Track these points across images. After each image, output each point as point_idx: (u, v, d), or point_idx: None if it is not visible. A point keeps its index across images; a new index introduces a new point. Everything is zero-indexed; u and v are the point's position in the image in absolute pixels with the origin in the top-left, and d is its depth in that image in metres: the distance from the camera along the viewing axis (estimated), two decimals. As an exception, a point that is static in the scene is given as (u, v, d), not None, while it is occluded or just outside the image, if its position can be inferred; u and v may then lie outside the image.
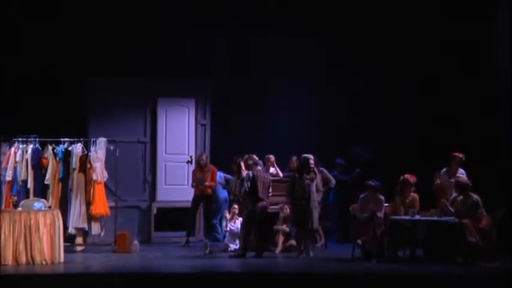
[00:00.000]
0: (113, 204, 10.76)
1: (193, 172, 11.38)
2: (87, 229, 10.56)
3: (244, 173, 10.51)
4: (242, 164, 10.86)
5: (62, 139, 10.53)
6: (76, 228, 10.50)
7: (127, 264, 9.43)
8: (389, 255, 9.51)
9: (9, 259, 8.99)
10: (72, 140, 10.54)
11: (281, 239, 10.48)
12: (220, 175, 11.56)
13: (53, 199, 10.35)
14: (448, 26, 11.58)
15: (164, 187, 11.82)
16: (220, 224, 11.54)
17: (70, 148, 10.51)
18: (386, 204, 9.97)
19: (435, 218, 9.47)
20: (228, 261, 9.72)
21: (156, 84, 11.82)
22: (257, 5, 11.71)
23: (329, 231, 11.36)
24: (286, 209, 10.52)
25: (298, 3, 11.92)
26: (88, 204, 10.51)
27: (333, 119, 12.41)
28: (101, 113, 11.58)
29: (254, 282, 8.42)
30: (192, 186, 11.28)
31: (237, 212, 10.61)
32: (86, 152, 10.59)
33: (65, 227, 10.01)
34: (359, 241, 9.70)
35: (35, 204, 9.45)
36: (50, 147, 10.51)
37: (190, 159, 11.89)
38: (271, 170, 11.18)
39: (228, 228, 10.62)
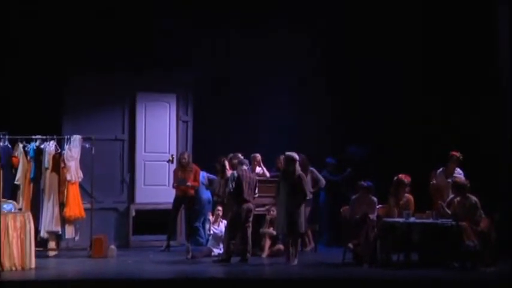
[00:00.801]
0: (88, 206, 10.73)
1: (175, 172, 11.36)
2: (60, 233, 10.51)
3: (229, 172, 10.50)
4: (226, 163, 10.89)
5: (33, 136, 10.47)
6: (48, 232, 10.43)
7: (103, 270, 9.39)
8: (382, 260, 9.53)
9: (-24, 265, 8.89)
10: (44, 137, 10.48)
11: (268, 243, 10.50)
12: (203, 175, 11.56)
13: (23, 201, 10.29)
14: (448, 23, 11.63)
15: (143, 188, 11.81)
16: (203, 227, 11.52)
17: (42, 146, 10.45)
18: (379, 206, 10.02)
19: (431, 220, 9.50)
20: (211, 267, 9.70)
21: (135, 79, 11.78)
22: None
23: (319, 234, 11.41)
24: (273, 211, 10.54)
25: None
26: (61, 206, 10.46)
27: (324, 116, 12.49)
28: (76, 109, 11.51)
29: (239, 289, 8.39)
30: (173, 186, 11.27)
31: (221, 214, 10.61)
32: (59, 150, 10.53)
33: (37, 231, 9.97)
34: (350, 245, 9.72)
35: (4, 206, 9.35)
36: (21, 145, 10.45)
37: (171, 158, 11.88)
38: (258, 169, 11.21)
39: (212, 232, 10.62)
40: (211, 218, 10.70)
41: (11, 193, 10.19)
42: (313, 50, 12.25)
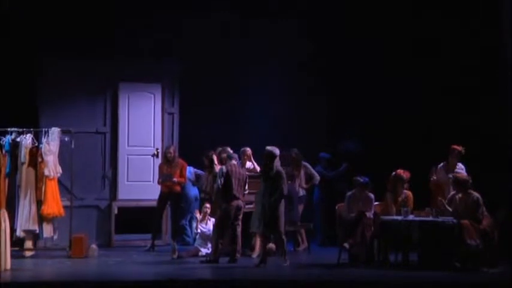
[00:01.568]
0: (67, 203, 10.69)
1: (160, 167, 11.33)
2: (37, 232, 10.46)
3: (217, 168, 10.50)
4: (215, 157, 10.87)
5: (8, 129, 10.40)
6: (25, 231, 10.39)
7: (83, 272, 9.37)
8: (380, 260, 9.54)
9: None
10: (20, 130, 10.42)
11: (258, 242, 10.43)
12: (190, 170, 11.54)
13: (-2, 197, 10.22)
14: (448, 12, 11.67)
15: (126, 184, 11.78)
16: (190, 226, 11.52)
17: (18, 139, 10.39)
18: (376, 203, 10.03)
19: (431, 218, 9.51)
20: (198, 268, 9.68)
21: (118, 68, 11.75)
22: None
23: (312, 233, 11.39)
24: (264, 208, 10.49)
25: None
26: (39, 203, 10.40)
27: (319, 108, 12.51)
28: (55, 100, 11.47)
29: (228, 291, 8.38)
30: (158, 182, 11.24)
31: (208, 212, 10.61)
32: (36, 144, 10.48)
33: (12, 230, 9.90)
34: (346, 244, 9.72)
35: (-22, 203, 9.29)
36: (-5, 138, 10.40)
37: (156, 153, 11.86)
38: (248, 164, 11.19)
39: (199, 231, 10.61)
40: (198, 216, 10.68)
41: (-16, 190, 10.14)
42: (307, 41, 12.23)
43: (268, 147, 9.77)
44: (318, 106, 12.48)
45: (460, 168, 10.31)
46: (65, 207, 10.57)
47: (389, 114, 12.10)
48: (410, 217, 9.54)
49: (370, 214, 9.79)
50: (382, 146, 11.87)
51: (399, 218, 9.55)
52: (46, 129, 10.52)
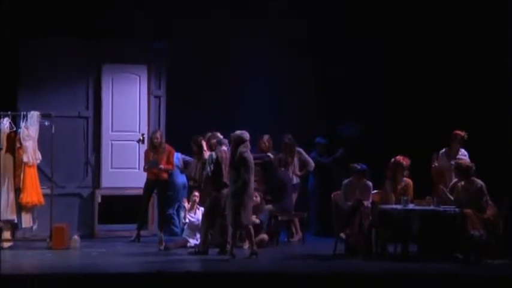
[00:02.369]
0: (47, 191, 10.66)
1: (146, 153, 11.31)
2: (16, 221, 10.46)
3: (207, 154, 10.48)
4: (204, 143, 10.88)
5: (-16, 113, 10.40)
6: (3, 221, 10.34)
7: (65, 263, 9.34)
8: (378, 252, 9.55)
9: None
10: (-3, 114, 10.42)
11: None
12: (177, 157, 11.53)
13: (-27, 186, 10.23)
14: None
15: (110, 171, 11.77)
16: (178, 215, 11.55)
17: (-5, 124, 10.35)
18: (374, 191, 10.05)
19: (432, 207, 9.53)
20: (186, 259, 9.68)
21: (101, 48, 11.69)
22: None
23: (307, 223, 11.41)
24: (256, 197, 10.52)
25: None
26: (17, 191, 10.40)
27: (313, 90, 12.50)
28: (33, 82, 11.40)
29: (218, 285, 8.39)
30: (144, 170, 11.22)
31: (197, 200, 10.60)
32: (14, 129, 10.46)
33: (-11, 219, 9.90)
34: (342, 235, 9.75)
35: (-48, 191, 9.27)
36: (-30, 123, 10.36)
37: (141, 138, 11.84)
38: (239, 150, 11.13)
39: (187, 220, 10.61)
40: (186, 205, 10.69)
41: (-41, 177, 10.13)
42: (299, 20, 12.19)
43: (237, 131, 9.62)
44: (313, 88, 12.47)
45: (463, 155, 10.34)
46: (45, 195, 10.56)
47: (389, 97, 12.10)
48: (410, 206, 9.56)
49: (368, 203, 9.80)
50: (381, 131, 11.89)
51: (398, 207, 9.57)
52: (25, 113, 10.47)
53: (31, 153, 10.38)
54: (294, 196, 11.28)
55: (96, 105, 11.72)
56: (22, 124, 10.42)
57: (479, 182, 9.48)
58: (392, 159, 9.98)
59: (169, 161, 11.13)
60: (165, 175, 11.11)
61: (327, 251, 9.85)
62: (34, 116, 10.47)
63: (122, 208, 11.55)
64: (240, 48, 12.22)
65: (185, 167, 11.60)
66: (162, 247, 10.21)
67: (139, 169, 11.53)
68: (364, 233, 9.60)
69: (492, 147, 10.99)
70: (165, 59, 11.97)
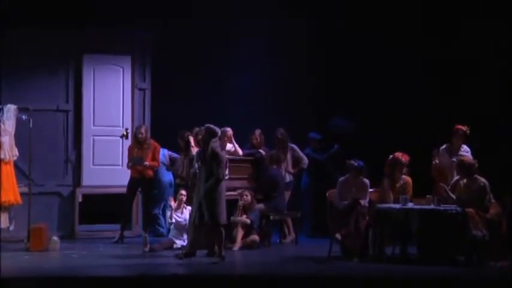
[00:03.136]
0: (25, 190, 10.67)
1: (129, 149, 11.33)
2: (-9, 222, 10.45)
3: (194, 150, 10.48)
4: (191, 139, 10.88)
5: (-42, 106, 10.40)
6: (-23, 221, 10.34)
7: (44, 266, 9.32)
8: (375, 253, 9.56)
9: None
10: (-29, 107, 10.42)
11: (240, 233, 10.53)
12: (163, 153, 11.56)
13: None
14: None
15: (92, 168, 11.79)
16: (164, 215, 11.55)
17: (-31, 118, 10.36)
18: (371, 190, 10.05)
19: (432, 206, 9.53)
20: (173, 262, 9.63)
21: (81, 37, 11.70)
22: None
23: (300, 223, 11.42)
24: (246, 195, 10.59)
25: None
26: (-7, 189, 10.38)
27: (307, 83, 12.53)
28: (9, 73, 11.32)
29: (205, 288, 8.39)
30: (128, 167, 11.25)
31: (184, 199, 10.59)
32: (-11, 123, 10.45)
33: (-37, 219, 9.89)
34: (338, 235, 9.75)
35: None
36: None
37: (125, 133, 11.85)
38: (228, 146, 11.22)
39: (174, 220, 10.60)
40: (173, 204, 10.67)
41: None
42: (292, 7, 12.18)
43: (211, 125, 9.50)
44: (306, 81, 12.49)
45: (465, 151, 10.36)
46: (22, 194, 10.55)
47: (387, 90, 12.12)
48: (410, 205, 9.57)
49: (364, 202, 9.82)
50: (378, 126, 11.91)
51: (397, 206, 9.58)
52: (1, 107, 10.45)
53: (7, 149, 10.36)
54: (287, 195, 11.29)
55: (76, 98, 11.72)
56: (-3, 118, 10.44)
57: (482, 179, 9.50)
58: (391, 156, 9.98)
59: (154, 158, 11.15)
60: (150, 172, 11.14)
61: (322, 252, 9.86)
62: (11, 109, 10.45)
63: (104, 207, 11.54)
64: (230, 38, 12.22)
65: (171, 164, 11.63)
66: (146, 249, 10.20)
67: (122, 166, 11.56)
68: (361, 234, 9.61)
69: (493, 143, 11.05)
70: (150, 49, 11.98)
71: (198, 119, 10.96)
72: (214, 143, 9.46)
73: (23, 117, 10.50)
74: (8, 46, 11.39)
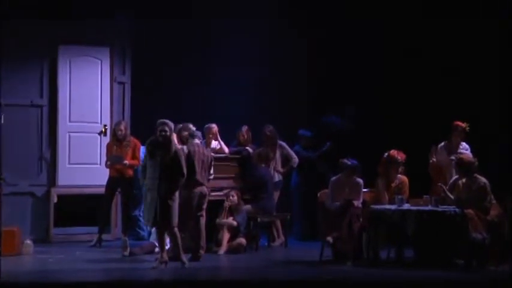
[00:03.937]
0: (-4, 190, 10.60)
1: (108, 147, 11.33)
2: (-40, 224, 10.34)
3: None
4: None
5: None
6: None
7: (16, 271, 9.23)
8: (369, 257, 9.59)
9: None
10: None
11: (226, 236, 10.54)
12: (144, 151, 11.43)
13: None
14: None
15: (68, 167, 11.79)
16: (145, 217, 11.50)
17: None
18: (365, 190, 10.08)
19: (429, 207, 9.57)
20: (154, 266, 9.58)
21: (56, 27, 11.66)
22: None
23: (290, 225, 11.48)
24: (233, 196, 10.61)
25: None
26: (-39, 190, 10.30)
27: (297, 78, 12.57)
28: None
29: (189, 294, 8.43)
30: (106, 165, 11.23)
31: (167, 200, 10.55)
32: (-42, 119, 10.36)
33: None
34: (329, 238, 9.78)
35: None
36: None
37: (103, 130, 11.87)
38: (214, 144, 11.25)
39: (155, 222, 10.56)
40: (154, 205, 10.66)
41: None
42: (281, 5, 12.24)
43: (163, 120, 9.44)
44: (296, 75, 12.53)
45: (464, 149, 10.41)
46: (-7, 194, 10.56)
47: (382, 85, 12.17)
48: (406, 206, 9.61)
49: (358, 203, 9.85)
50: (373, 122, 11.95)
51: (392, 207, 9.61)
52: (-30, 102, 10.47)
53: (-23, 146, 10.37)
54: (276, 195, 11.31)
55: (51, 93, 11.72)
56: (-33, 114, 10.43)
57: (483, 179, 9.55)
58: (386, 154, 10.02)
59: (134, 156, 11.14)
60: (130, 172, 11.13)
61: (312, 256, 9.89)
62: (-19, 104, 10.48)
63: (81, 209, 11.57)
64: (216, 29, 12.23)
65: (153, 163, 11.63)
66: (126, 253, 10.21)
67: (100, 165, 11.57)
68: (354, 237, 9.64)
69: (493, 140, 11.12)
70: (130, 41, 11.98)
71: (182, 115, 10.99)
72: (175, 139, 9.49)
73: (-6, 112, 10.54)
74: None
